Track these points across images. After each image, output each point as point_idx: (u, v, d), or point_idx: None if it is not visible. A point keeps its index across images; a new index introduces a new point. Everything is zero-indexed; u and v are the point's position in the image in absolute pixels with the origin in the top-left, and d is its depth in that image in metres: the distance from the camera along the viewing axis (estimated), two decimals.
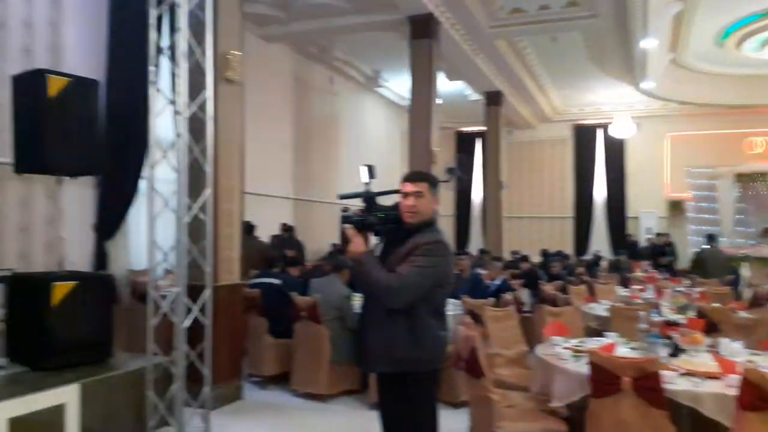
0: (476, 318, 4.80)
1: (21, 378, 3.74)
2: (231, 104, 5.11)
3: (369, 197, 2.74)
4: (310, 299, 5.05)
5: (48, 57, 6.81)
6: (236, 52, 5.10)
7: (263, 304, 5.47)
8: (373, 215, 2.69)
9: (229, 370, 4.91)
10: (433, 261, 2.55)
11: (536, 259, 11.75)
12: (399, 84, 13.79)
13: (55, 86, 4.09)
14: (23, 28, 6.58)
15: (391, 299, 2.53)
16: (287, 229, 9.72)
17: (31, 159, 4.20)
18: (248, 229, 7.76)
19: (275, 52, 10.52)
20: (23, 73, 4.36)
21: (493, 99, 13.71)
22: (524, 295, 7.22)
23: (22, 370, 3.90)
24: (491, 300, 5.46)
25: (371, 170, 2.80)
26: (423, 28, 8.73)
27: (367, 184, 2.76)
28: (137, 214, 7.48)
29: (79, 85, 4.27)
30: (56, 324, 3.91)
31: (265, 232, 9.36)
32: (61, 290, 3.96)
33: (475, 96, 13.98)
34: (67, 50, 7.02)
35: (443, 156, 9.75)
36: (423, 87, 8.78)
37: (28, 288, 4.08)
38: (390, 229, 2.70)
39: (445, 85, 11.22)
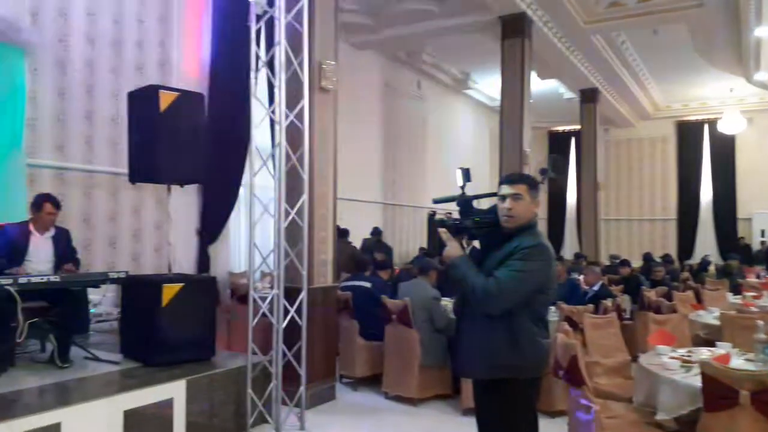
0: (573, 325, 4.62)
1: (134, 373, 4.02)
2: (325, 112, 5.25)
3: (464, 201, 2.72)
4: (401, 302, 5.07)
5: (157, 73, 7.35)
6: (331, 62, 5.23)
7: (354, 307, 5.56)
8: (468, 219, 2.67)
9: (323, 370, 5.03)
10: (533, 265, 2.48)
11: (636, 263, 11.16)
12: (489, 85, 13.62)
13: (165, 101, 4.36)
14: (136, 48, 7.15)
15: (488, 305, 2.48)
16: (376, 233, 9.85)
17: (144, 169, 4.51)
18: (340, 233, 7.94)
19: (365, 59, 10.71)
20: (138, 90, 4.69)
21: (589, 96, 13.22)
22: (625, 301, 6.88)
23: (134, 365, 4.19)
24: (590, 306, 5.24)
25: (467, 173, 2.77)
26: (515, 27, 8.56)
27: (462, 187, 2.73)
28: (236, 220, 7.88)
29: (186, 98, 4.53)
30: (165, 323, 4.17)
31: (355, 237, 9.53)
32: (169, 291, 4.21)
33: (569, 94, 13.54)
34: (174, 66, 7.54)
35: (536, 157, 9.52)
36: (514, 87, 8.61)
37: (140, 289, 4.38)
38: (487, 233, 2.66)
39: (537, 84, 10.95)
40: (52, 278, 3.93)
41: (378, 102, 11.36)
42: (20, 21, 5.81)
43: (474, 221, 2.66)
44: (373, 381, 5.52)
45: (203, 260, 7.61)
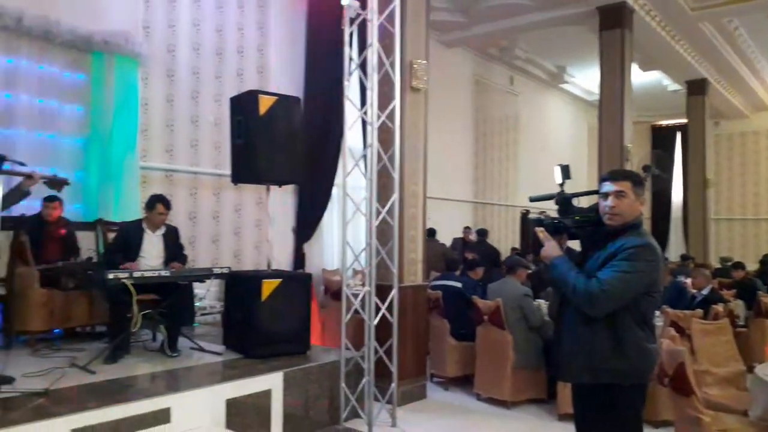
0: (680, 330, 4.34)
1: (235, 364, 4.23)
2: (416, 112, 5.27)
3: (563, 199, 2.63)
4: (493, 303, 4.99)
5: (256, 78, 7.69)
6: (422, 61, 5.24)
7: (445, 306, 5.54)
8: (568, 218, 2.58)
9: (414, 368, 5.06)
10: (639, 266, 2.35)
11: (751, 266, 10.30)
12: (586, 78, 13.10)
13: (264, 105, 4.55)
14: (236, 55, 7.51)
15: (590, 306, 2.38)
16: (482, 233, 9.74)
17: (245, 170, 4.73)
18: (429, 232, 7.93)
19: (455, 57, 10.63)
20: (239, 95, 4.91)
21: (697, 88, 12.37)
22: (738, 307, 6.38)
23: (236, 356, 4.41)
24: (698, 311, 4.90)
25: (566, 170, 2.69)
26: (614, 17, 8.18)
27: (561, 184, 2.65)
28: (329, 219, 8.08)
29: (284, 102, 4.70)
30: (264, 317, 4.36)
31: (446, 236, 9.48)
32: (268, 287, 4.40)
33: (674, 86, 12.75)
34: (272, 71, 7.86)
35: (637, 153, 9.04)
36: (614, 79, 8.23)
37: (242, 284, 4.59)
38: (589, 233, 2.56)
39: (638, 76, 10.39)
40: (163, 273, 4.22)
41: (468, 99, 11.24)
42: (134, 34, 6.29)
43: (574, 220, 2.57)
44: (464, 381, 5.47)
45: (298, 257, 7.89)
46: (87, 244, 5.37)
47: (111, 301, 4.23)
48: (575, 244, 2.79)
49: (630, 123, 8.35)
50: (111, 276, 3.89)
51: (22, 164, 3.30)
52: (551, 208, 2.71)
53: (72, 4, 5.79)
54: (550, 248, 2.52)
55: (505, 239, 11.90)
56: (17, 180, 3.64)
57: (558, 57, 12.30)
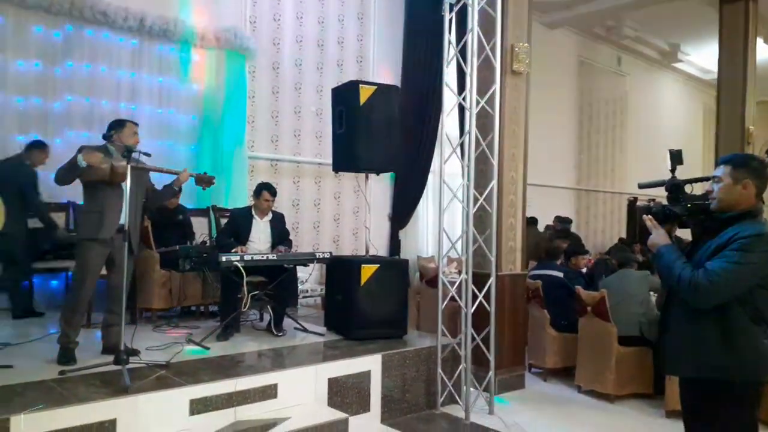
0: None
1: (336, 345, 4.39)
2: (516, 96, 5.15)
3: (674, 186, 2.50)
4: (598, 294, 4.81)
5: (355, 68, 7.84)
6: (523, 44, 5.11)
7: (545, 296, 5.41)
8: (679, 205, 2.45)
9: (512, 358, 4.99)
10: (752, 257, 2.19)
11: None
12: (702, 56, 12.16)
13: (364, 94, 4.65)
14: (337, 45, 7.69)
15: (695, 298, 2.26)
16: (565, 221, 9.40)
17: (345, 159, 4.86)
18: (530, 220, 7.75)
19: (558, 38, 10.24)
20: (340, 85, 5.04)
21: None
22: None
23: (336, 338, 4.58)
24: None
25: (677, 156, 2.56)
26: None
27: (672, 170, 2.53)
28: (423, 206, 8.13)
29: (383, 91, 4.77)
30: (363, 301, 4.49)
31: (545, 224, 9.23)
32: (367, 272, 4.51)
33: None
34: (370, 60, 7.99)
35: (762, 135, 8.29)
36: (735, 56, 7.58)
37: (342, 269, 4.74)
38: (700, 221, 2.43)
39: (763, 51, 9.48)
40: (270, 257, 4.45)
41: (572, 82, 10.80)
42: (242, 29, 6.61)
43: (685, 207, 2.44)
44: (563, 373, 5.33)
45: (394, 244, 8.01)
46: (201, 229, 5.76)
47: (223, 282, 4.52)
48: (687, 234, 2.65)
49: (753, 103, 7.68)
50: (224, 259, 4.17)
51: (147, 155, 3.59)
52: (661, 196, 2.59)
53: (186, 3, 6.19)
54: (658, 236, 2.41)
55: (611, 228, 11.38)
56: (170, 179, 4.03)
57: (670, 34, 11.50)
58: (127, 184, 3.44)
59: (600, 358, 4.79)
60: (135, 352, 3.62)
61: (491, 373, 4.38)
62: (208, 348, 4.05)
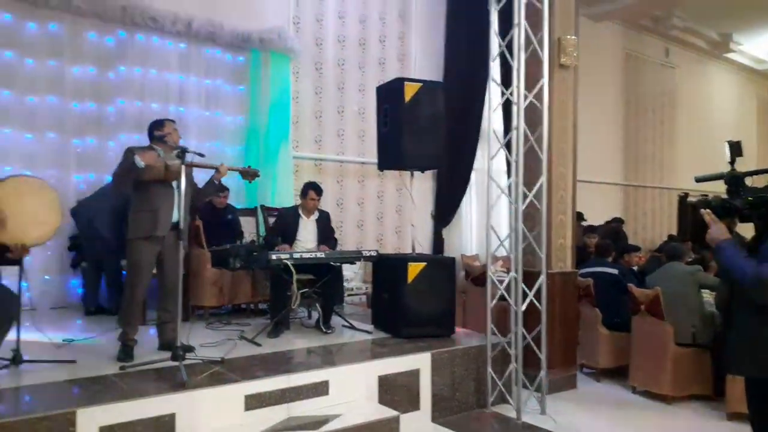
0: None
1: (385, 343, 4.39)
2: (564, 90, 5.06)
3: (734, 178, 2.41)
4: (652, 292, 4.68)
5: (397, 66, 7.83)
6: (570, 37, 5.02)
7: (596, 294, 5.29)
8: (739, 198, 2.36)
9: (563, 357, 4.90)
10: None
11: None
12: (757, 45, 11.71)
13: (409, 92, 4.63)
14: (379, 44, 7.70)
15: (759, 293, 2.20)
16: (617, 221, 9.19)
17: (390, 157, 4.85)
18: (577, 216, 7.59)
19: (604, 30, 10.01)
20: (385, 83, 5.04)
21: None
22: None
23: (384, 336, 4.58)
24: None
25: (736, 148, 2.47)
26: None
27: (731, 163, 2.44)
28: (467, 203, 8.05)
29: (428, 88, 4.75)
30: (410, 299, 4.47)
31: (593, 221, 9.02)
32: (414, 270, 4.50)
33: None
34: (412, 58, 7.96)
35: None
36: None
37: (389, 267, 4.74)
38: (763, 214, 2.33)
39: None
40: (319, 254, 4.48)
41: (618, 75, 10.54)
42: (286, 30, 6.69)
43: (747, 200, 2.35)
44: (616, 373, 5.20)
45: (438, 242, 7.96)
46: (249, 228, 5.85)
47: (273, 280, 4.58)
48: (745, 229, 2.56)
49: None
50: (273, 257, 4.22)
51: (201, 155, 3.66)
52: (714, 191, 2.51)
53: (232, 7, 6.30)
54: (718, 231, 2.33)
55: (660, 225, 11.05)
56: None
57: (722, 23, 11.11)
58: (182, 183, 3.51)
59: (655, 357, 4.66)
60: (190, 349, 3.69)
61: (542, 373, 4.30)
62: (259, 344, 4.11)
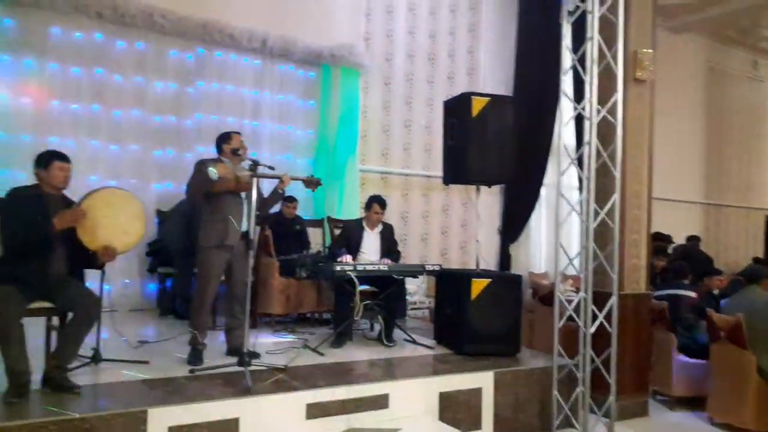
0: None
1: (447, 359, 4.34)
2: (639, 105, 4.88)
3: None
4: (734, 318, 4.40)
5: (466, 80, 7.82)
6: (647, 50, 4.84)
7: (671, 318, 5.03)
8: None
9: (634, 383, 4.67)
10: None
11: None
12: None
13: (477, 106, 4.60)
14: (447, 59, 7.72)
15: None
16: (692, 239, 8.71)
17: (456, 171, 4.82)
18: (654, 236, 7.27)
19: (684, 43, 9.61)
20: (452, 98, 5.03)
21: None
22: None
23: (446, 352, 4.53)
24: None
25: None
26: None
27: None
28: (536, 220, 7.87)
29: (496, 102, 4.70)
30: (474, 315, 4.41)
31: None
32: (478, 286, 4.43)
33: None
34: (481, 72, 7.93)
35: None
36: None
37: (452, 282, 4.69)
38: None
39: None
40: (382, 267, 4.50)
41: (699, 89, 10.07)
42: (357, 47, 6.82)
43: None
44: (692, 402, 4.90)
45: (504, 258, 7.82)
46: (316, 239, 5.97)
47: (337, 290, 4.63)
48: None
49: None
50: (338, 268, 4.28)
51: (271, 168, 3.76)
52: None
53: (305, 24, 6.50)
54: None
55: (745, 246, 10.42)
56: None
57: None
58: (254, 194, 3.62)
59: (737, 388, 4.36)
60: (256, 355, 3.79)
61: (611, 398, 4.12)
62: (322, 354, 4.16)
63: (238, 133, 4.09)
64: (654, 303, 5.05)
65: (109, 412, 2.77)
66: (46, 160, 3.24)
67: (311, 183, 4.26)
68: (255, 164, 3.63)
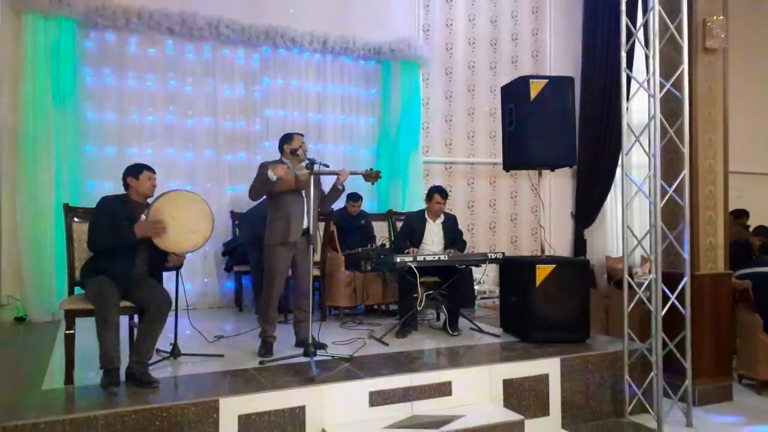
0: None
1: (512, 346, 4.31)
2: (711, 75, 4.61)
3: None
4: None
5: (530, 63, 7.66)
6: (718, 18, 4.56)
7: (756, 298, 4.73)
8: None
9: (715, 366, 4.45)
10: None
11: None
12: None
13: (535, 89, 4.53)
14: (510, 43, 7.58)
15: None
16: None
17: (516, 157, 4.77)
18: (737, 213, 6.83)
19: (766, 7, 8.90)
20: (509, 83, 4.96)
21: None
22: None
23: (512, 339, 4.50)
24: None
25: None
26: None
27: None
28: (612, 202, 7.59)
29: (555, 84, 4.60)
30: (539, 302, 4.36)
31: (761, 217, 8.05)
32: (542, 272, 4.37)
33: None
34: (546, 54, 7.73)
35: None
36: None
37: (516, 269, 4.65)
38: None
39: None
40: (442, 257, 4.53)
41: None
42: (415, 39, 6.84)
43: None
44: None
45: (579, 244, 7.61)
46: (381, 232, 6.07)
47: (400, 282, 4.71)
48: None
49: None
50: (398, 260, 4.35)
51: (326, 166, 3.88)
52: None
53: (363, 21, 6.59)
54: None
55: None
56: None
57: None
58: (311, 192, 3.76)
59: None
60: (322, 346, 3.93)
61: (687, 382, 3.95)
62: (387, 344, 4.26)
63: (301, 134, 4.23)
64: (735, 282, 4.78)
65: (184, 402, 2.98)
66: (138, 170, 3.57)
67: (370, 176, 4.33)
68: (311, 162, 3.75)
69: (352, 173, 4.19)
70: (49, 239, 5.11)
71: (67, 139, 5.30)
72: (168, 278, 3.77)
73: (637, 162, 6.59)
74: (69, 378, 3.26)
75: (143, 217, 3.48)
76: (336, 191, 4.20)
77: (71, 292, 3.58)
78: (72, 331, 3.27)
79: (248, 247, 5.48)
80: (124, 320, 3.56)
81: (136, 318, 3.57)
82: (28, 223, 5.11)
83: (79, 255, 3.62)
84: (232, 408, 3.05)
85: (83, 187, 5.41)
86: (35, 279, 5.10)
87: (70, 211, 3.72)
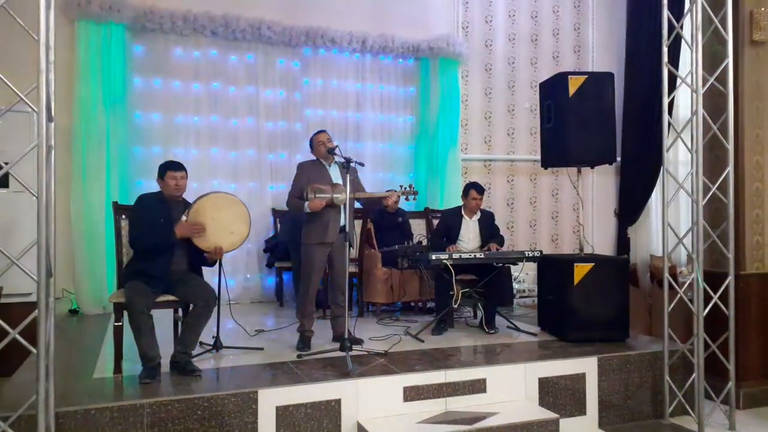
0: None
1: (549, 345, 4.29)
2: (758, 69, 4.47)
3: None
4: None
5: (572, 59, 7.54)
6: (766, 9, 4.42)
7: None
8: None
9: (762, 369, 4.32)
10: None
11: None
12: None
13: (573, 85, 4.48)
14: (552, 38, 7.49)
15: None
16: None
17: (554, 154, 4.73)
18: None
19: None
20: (548, 79, 4.92)
21: None
22: None
23: (550, 338, 4.48)
24: None
25: None
26: None
27: None
28: (658, 199, 7.40)
29: (595, 80, 4.55)
30: (577, 301, 4.31)
31: None
32: (580, 271, 4.33)
33: None
34: (589, 49, 7.60)
35: None
36: None
37: (554, 268, 4.61)
38: None
39: None
40: (478, 255, 4.54)
41: None
42: (454, 36, 6.84)
43: None
44: None
45: (622, 242, 7.46)
46: (419, 230, 6.10)
47: (437, 279, 4.74)
48: None
49: None
50: (434, 257, 4.38)
51: (361, 164, 3.95)
52: None
53: (402, 19, 6.63)
54: None
55: None
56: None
57: None
58: (347, 203, 3.89)
59: None
60: (359, 341, 4.01)
61: (731, 384, 3.85)
62: (422, 340, 4.29)
63: (324, 131, 4.27)
64: None
65: (225, 393, 3.10)
66: (162, 170, 3.69)
67: (408, 194, 4.33)
68: (348, 162, 3.82)
69: (392, 195, 4.20)
70: (100, 235, 5.35)
71: (117, 140, 5.53)
72: (213, 274, 3.92)
73: (684, 159, 6.42)
74: (118, 368, 3.44)
75: (184, 218, 3.61)
76: (376, 203, 4.28)
77: (120, 285, 3.75)
78: (120, 324, 3.44)
79: (290, 245, 5.60)
80: (168, 313, 3.72)
81: (180, 311, 3.71)
82: (81, 220, 5.36)
83: (127, 251, 3.79)
84: (270, 399, 3.15)
85: (131, 185, 5.64)
86: (87, 273, 5.35)
87: (118, 209, 3.90)
